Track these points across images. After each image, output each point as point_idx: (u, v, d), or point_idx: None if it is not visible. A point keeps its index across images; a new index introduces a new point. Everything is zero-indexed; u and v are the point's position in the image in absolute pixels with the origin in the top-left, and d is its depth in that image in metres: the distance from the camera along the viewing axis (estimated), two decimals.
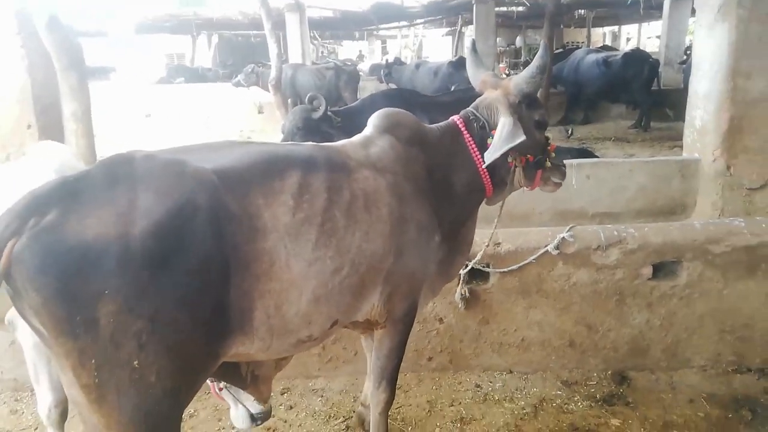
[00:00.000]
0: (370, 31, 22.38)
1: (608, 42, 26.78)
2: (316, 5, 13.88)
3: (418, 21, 16.08)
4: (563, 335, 2.97)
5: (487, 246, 2.59)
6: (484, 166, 1.94)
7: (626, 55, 10.37)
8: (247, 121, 11.50)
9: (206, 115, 11.59)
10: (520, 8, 14.20)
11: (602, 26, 25.86)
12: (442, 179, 1.94)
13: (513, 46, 24.87)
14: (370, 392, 2.13)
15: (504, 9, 14.40)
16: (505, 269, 2.87)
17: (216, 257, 1.36)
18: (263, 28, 8.34)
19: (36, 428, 2.67)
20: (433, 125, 2.04)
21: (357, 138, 1.96)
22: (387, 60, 14.86)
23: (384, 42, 31.08)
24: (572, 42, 23.71)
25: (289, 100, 8.92)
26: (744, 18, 3.59)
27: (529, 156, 2.02)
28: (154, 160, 1.40)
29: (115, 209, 1.26)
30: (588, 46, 17.44)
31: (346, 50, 31.46)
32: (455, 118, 2.04)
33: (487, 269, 2.88)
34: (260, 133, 11.05)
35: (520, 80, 1.96)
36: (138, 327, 1.26)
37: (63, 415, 2.20)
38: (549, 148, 2.10)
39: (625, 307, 2.93)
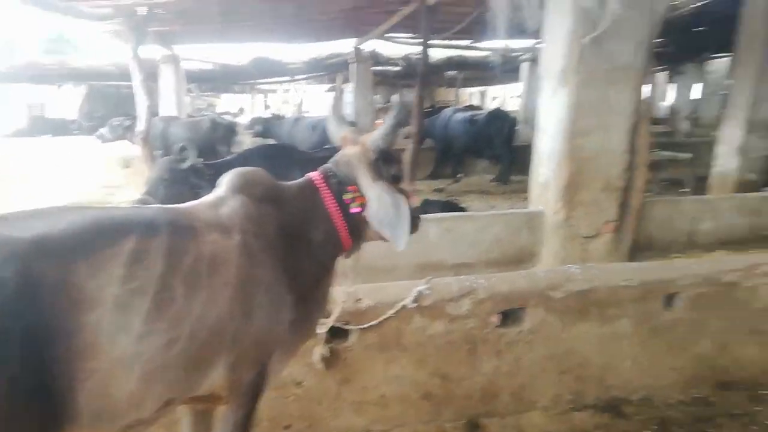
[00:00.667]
0: (252, 85, 22.35)
1: (477, 101, 28.95)
2: (194, 58, 13.66)
3: (299, 77, 16.34)
4: (420, 388, 3.01)
5: (340, 305, 2.59)
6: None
7: (489, 114, 11.24)
8: (112, 175, 10.83)
9: (66, 170, 10.78)
10: (396, 68, 14.93)
11: (471, 86, 27.96)
12: (298, 237, 1.92)
13: (390, 103, 26.18)
14: None
15: (381, 68, 15.07)
16: (365, 326, 2.88)
17: (28, 336, 1.23)
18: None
19: None
20: (291, 182, 2.04)
21: (207, 198, 1.89)
22: (269, 114, 14.89)
23: (266, 96, 31.11)
24: (443, 101, 25.37)
25: (160, 153, 8.61)
26: (581, 83, 4.02)
27: None
28: None
29: None
30: (456, 105, 18.73)
31: (226, 103, 31.05)
32: (313, 174, 2.05)
33: (347, 326, 2.87)
34: (125, 188, 10.43)
35: (376, 137, 2.03)
36: None
37: None
38: (409, 199, 2.13)
39: (476, 355, 3.05)
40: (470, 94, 30.58)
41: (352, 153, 2.06)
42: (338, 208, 1.99)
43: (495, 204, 8.95)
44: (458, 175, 10.33)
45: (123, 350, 1.38)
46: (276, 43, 13.01)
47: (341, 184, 2.01)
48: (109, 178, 10.81)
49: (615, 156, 4.05)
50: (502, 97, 29.73)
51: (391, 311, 2.85)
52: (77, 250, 1.37)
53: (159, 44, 10.90)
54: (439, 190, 10.19)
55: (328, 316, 2.70)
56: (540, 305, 3.05)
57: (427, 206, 6.89)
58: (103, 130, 10.26)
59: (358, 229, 2.04)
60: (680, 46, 12.60)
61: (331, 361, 2.87)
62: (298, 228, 1.94)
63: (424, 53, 6.70)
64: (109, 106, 19.49)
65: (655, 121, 18.37)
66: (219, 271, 1.63)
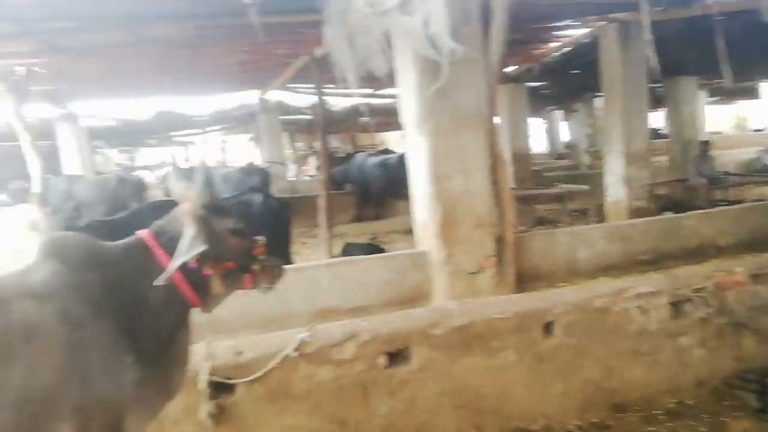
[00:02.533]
0: (167, 138, 21.88)
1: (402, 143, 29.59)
2: (94, 115, 13.31)
3: (210, 129, 16.24)
4: None
5: (210, 360, 2.60)
6: (161, 282, 1.91)
7: (400, 156, 11.60)
8: (19, 241, 10.24)
9: None
10: (307, 116, 15.15)
11: (386, 131, 28.68)
12: (130, 296, 1.91)
13: (313, 150, 26.46)
14: None
15: (292, 117, 15.24)
16: (249, 378, 2.88)
17: None
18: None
19: None
20: (117, 243, 2.04)
21: (19, 268, 1.87)
22: (187, 167, 14.61)
23: (186, 147, 30.53)
24: (366, 145, 25.88)
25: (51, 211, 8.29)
26: (434, 131, 4.26)
27: (228, 263, 2.09)
28: None
29: None
30: (376, 148, 19.18)
31: (145, 157, 30.20)
32: (143, 232, 2.05)
33: (229, 381, 2.86)
34: (31, 253, 9.90)
35: (196, 196, 2.07)
36: None
37: None
38: (256, 251, 2.17)
39: (370, 397, 3.09)
40: (399, 136, 31.25)
41: (182, 209, 2.08)
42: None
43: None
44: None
45: None
46: (180, 96, 12.92)
47: (173, 240, 2.01)
48: (17, 244, 10.21)
49: (479, 196, 4.29)
50: None
51: (274, 362, 2.87)
52: None
53: (49, 103, 10.60)
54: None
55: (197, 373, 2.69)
56: (423, 343, 3.17)
57: (350, 250, 6.99)
58: (3, 196, 9.76)
59: (203, 283, 2.05)
60: (563, 87, 13.87)
61: (219, 418, 2.85)
62: (131, 288, 1.93)
63: (321, 103, 6.93)
64: (9, 167, 18.45)
65: (560, 156, 19.63)
66: (36, 338, 1.64)
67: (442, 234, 4.15)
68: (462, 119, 4.23)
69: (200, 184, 2.07)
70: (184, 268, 2.00)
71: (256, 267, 2.16)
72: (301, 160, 24.35)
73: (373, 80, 3.82)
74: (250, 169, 11.66)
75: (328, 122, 7.54)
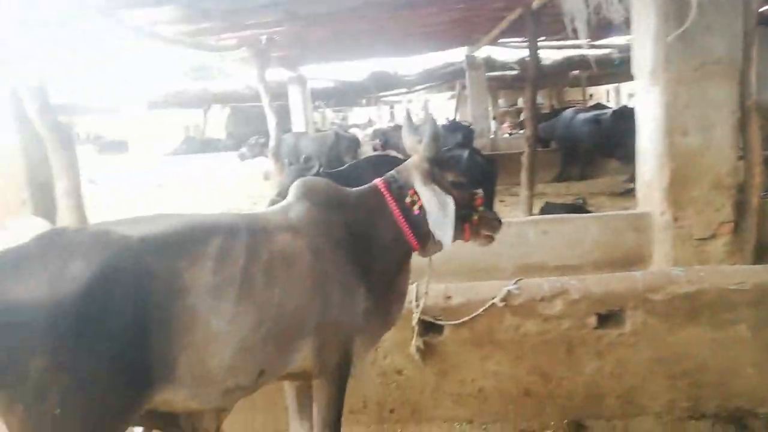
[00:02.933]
0: (376, 98, 23.19)
1: (612, 99, 27.41)
2: (318, 77, 14.64)
3: (417, 88, 16.75)
4: (519, 384, 3.08)
5: (425, 296, 2.78)
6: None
7: (615, 112, 10.73)
8: (254, 187, 11.96)
9: (215, 183, 12.10)
10: (514, 72, 14.78)
11: (601, 84, 26.54)
12: (363, 236, 2.15)
13: (515, 107, 25.72)
14: None
15: (498, 73, 15.00)
16: (457, 321, 3.03)
17: (139, 314, 1.57)
18: None
19: None
20: (356, 189, 2.27)
21: (278, 205, 2.21)
22: (388, 126, 15.47)
23: (392, 107, 32.14)
24: (572, 101, 24.39)
25: (286, 161, 9.41)
26: (672, 81, 3.84)
27: None
28: (82, 232, 1.65)
29: (46, 276, 1.49)
30: (584, 104, 17.98)
31: (357, 116, 32.57)
32: (377, 181, 2.27)
33: (439, 321, 3.04)
34: (266, 198, 11.48)
35: (422, 148, 2.21)
36: (63, 380, 1.46)
37: None
38: (475, 203, 2.27)
39: (575, 355, 3.05)
40: (605, 92, 29.05)
41: (411, 161, 2.28)
42: (400, 210, 2.19)
43: (628, 206, 8.52)
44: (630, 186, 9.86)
45: (217, 328, 1.72)
46: (391, 58, 13.52)
47: (402, 189, 2.21)
48: (252, 190, 11.97)
49: (720, 153, 3.79)
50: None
51: (481, 309, 2.97)
52: (177, 248, 1.73)
53: (284, 67, 11.87)
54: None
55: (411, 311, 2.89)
56: (639, 307, 2.98)
57: (551, 210, 6.81)
58: (243, 150, 11.36)
59: (424, 230, 2.20)
60: None
61: (426, 353, 3.06)
62: (365, 229, 2.17)
63: (533, 58, 6.66)
64: (249, 125, 21.39)
65: None
66: (292, 266, 1.93)
67: (669, 194, 3.79)
68: (707, 67, 3.79)
69: (428, 138, 2.18)
70: (408, 215, 2.18)
71: (475, 218, 2.25)
72: (501, 118, 23.97)
73: (600, 29, 3.57)
74: (453, 126, 11.84)
75: (538, 77, 7.23)
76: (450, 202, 2.12)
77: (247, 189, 12.04)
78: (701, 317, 3.00)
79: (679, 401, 3.06)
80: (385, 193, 2.21)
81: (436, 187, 2.16)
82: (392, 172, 2.28)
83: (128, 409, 1.64)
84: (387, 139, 11.95)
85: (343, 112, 31.21)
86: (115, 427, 1.63)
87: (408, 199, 2.18)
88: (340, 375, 2.14)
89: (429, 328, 3.05)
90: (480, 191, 2.29)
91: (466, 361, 3.09)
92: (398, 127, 13.80)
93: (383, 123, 27.05)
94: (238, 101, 17.25)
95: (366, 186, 2.28)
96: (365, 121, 28.84)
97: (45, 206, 3.42)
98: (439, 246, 2.27)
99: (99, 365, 1.51)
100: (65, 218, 3.40)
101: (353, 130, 18.08)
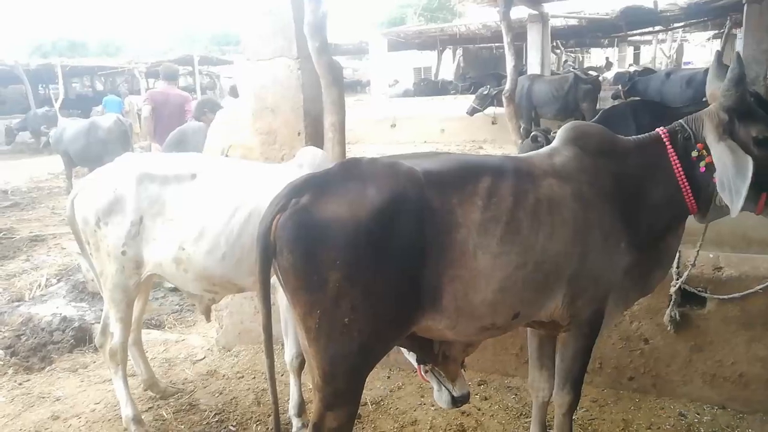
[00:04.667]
0: (621, 37, 21.01)
1: None
2: (560, 14, 13.70)
3: (676, 25, 14.66)
4: None
5: (693, 266, 2.48)
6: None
7: None
8: (480, 131, 11.96)
9: (442, 126, 12.40)
10: None
11: None
12: (633, 189, 1.97)
13: None
14: (555, 393, 2.22)
15: None
16: (725, 296, 2.68)
17: (418, 242, 1.69)
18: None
19: (283, 374, 3.36)
20: (634, 137, 2.08)
21: (544, 149, 2.13)
22: (632, 70, 13.89)
23: (637, 48, 28.84)
24: None
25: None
26: None
27: None
28: (376, 163, 1.80)
29: (348, 198, 1.68)
30: None
31: (594, 58, 30.00)
32: (660, 129, 2.04)
33: (703, 294, 2.72)
34: (491, 143, 11.42)
35: (720, 93, 1.89)
36: (354, 292, 1.65)
37: (302, 365, 2.77)
38: None
39: None
40: None
41: (706, 110, 1.96)
42: (681, 166, 1.94)
43: None
44: None
45: (482, 264, 1.77)
46: None
47: (689, 141, 1.94)
48: (480, 134, 12.01)
49: None
50: None
51: (760, 286, 2.57)
52: (451, 184, 1.80)
53: (527, 5, 11.31)
54: None
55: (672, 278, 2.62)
56: None
57: None
58: (474, 104, 11.16)
59: (706, 191, 1.94)
60: None
61: (681, 325, 2.78)
62: (637, 181, 1.98)
63: None
64: (480, 68, 21.23)
65: None
66: (556, 211, 1.87)
67: None
68: None
69: (730, 82, 1.86)
70: (691, 172, 1.94)
71: None
72: None
73: None
74: (719, 72, 10.15)
75: None
76: (749, 163, 1.79)
77: (473, 134, 12.08)
78: None
79: None
80: (667, 144, 1.98)
81: (733, 144, 1.86)
82: (680, 121, 2.02)
83: (400, 327, 1.80)
84: (634, 83, 10.78)
85: (578, 54, 28.94)
86: (388, 342, 1.82)
87: (694, 154, 1.93)
88: (590, 330, 2.07)
89: (689, 298, 2.76)
90: None
91: (729, 340, 2.74)
92: (647, 71, 12.33)
93: (624, 66, 24.47)
94: (473, 42, 17.18)
95: (646, 135, 2.07)
96: (603, 64, 26.40)
97: (316, 138, 3.82)
98: (720, 212, 1.99)
99: (384, 283, 1.68)
100: (329, 150, 3.77)
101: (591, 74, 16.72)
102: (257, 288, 1.80)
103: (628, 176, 1.99)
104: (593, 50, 29.29)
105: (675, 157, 1.97)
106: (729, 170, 1.82)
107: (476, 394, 3.09)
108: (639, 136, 2.08)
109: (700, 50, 25.68)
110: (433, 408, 2.93)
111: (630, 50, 28.91)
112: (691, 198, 1.97)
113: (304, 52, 3.49)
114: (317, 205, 1.67)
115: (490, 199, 1.79)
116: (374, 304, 1.68)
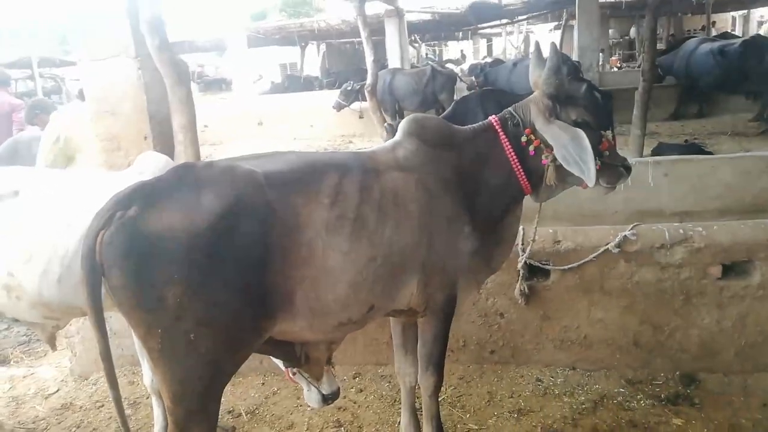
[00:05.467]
0: (473, 31, 22.24)
1: (738, 27, 24.53)
2: (414, 9, 14.18)
3: (520, 18, 15.82)
4: (627, 334, 2.97)
5: (533, 242, 2.69)
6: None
7: (745, 42, 9.58)
8: (349, 126, 12.06)
9: (310, 122, 12.31)
10: None
11: (728, 11, 23.68)
12: (472, 176, 2.07)
13: (627, 38, 23.61)
14: (420, 377, 2.28)
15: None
16: (565, 267, 2.93)
17: (262, 247, 1.64)
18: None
19: (148, 397, 3.14)
20: (469, 126, 2.18)
21: (387, 143, 2.18)
22: (484, 61, 14.77)
23: (489, 40, 30.68)
24: (693, 30, 22.03)
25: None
26: None
27: None
28: (212, 167, 1.72)
29: (181, 207, 1.58)
30: (708, 33, 16.20)
31: (451, 51, 31.47)
32: (492, 117, 2.16)
33: (547, 266, 2.95)
34: (360, 137, 11.57)
35: (542, 81, 2.04)
36: (196, 306, 1.57)
37: None
38: (601, 147, 2.07)
39: (692, 307, 2.88)
40: (730, 19, 25.99)
41: (531, 97, 2.11)
42: (513, 150, 2.06)
43: (750, 147, 7.74)
44: None
45: (332, 263, 1.77)
46: None
47: (518, 127, 2.07)
48: (348, 129, 12.09)
49: None
50: None
51: (593, 255, 2.85)
52: (296, 185, 1.77)
53: (382, 0, 11.56)
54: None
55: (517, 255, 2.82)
56: None
57: (663, 150, 6.29)
58: (339, 99, 11.24)
59: (538, 172, 2.07)
60: None
61: (530, 297, 3.01)
62: (475, 168, 2.08)
63: None
64: (345, 62, 21.35)
65: None
66: (401, 204, 1.92)
67: None
68: None
69: (548, 70, 2.01)
70: (522, 156, 2.07)
71: (598, 164, 2.02)
72: (609, 50, 22.15)
73: None
74: (538, 62, 11.10)
75: (660, 1, 6.54)
76: (583, 135, 1.94)
77: (341, 128, 12.15)
78: None
79: None
80: (498, 131, 2.10)
81: (562, 123, 2.00)
82: (509, 108, 2.15)
83: (252, 337, 1.74)
84: (485, 75, 11.48)
85: (436, 47, 30.24)
86: (241, 353, 1.75)
87: (524, 139, 2.06)
88: (445, 313, 2.15)
89: (535, 272, 2.99)
90: (608, 133, 2.09)
91: (572, 307, 3.01)
92: (497, 62, 13.19)
93: (478, 58, 25.96)
94: (334, 37, 17.24)
95: (479, 123, 2.18)
96: (459, 57, 27.79)
97: (164, 141, 3.60)
98: (552, 191, 2.15)
99: (228, 293, 1.61)
100: (181, 153, 3.58)
101: (448, 66, 17.53)
102: (89, 313, 1.64)
103: (467, 164, 2.08)
104: (450, 43, 30.70)
105: (507, 143, 2.08)
106: (569, 146, 1.94)
107: (351, 388, 3.12)
108: (474, 125, 2.18)
109: (544, 41, 27.98)
110: (309, 409, 2.90)
111: (483, 42, 30.69)
112: (525, 180, 2.09)
113: (144, 51, 3.28)
114: (146, 216, 1.56)
115: (336, 197, 1.80)
116: (220, 316, 1.61)
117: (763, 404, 2.68)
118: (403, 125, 2.16)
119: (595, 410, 2.75)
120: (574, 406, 2.79)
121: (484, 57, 24.73)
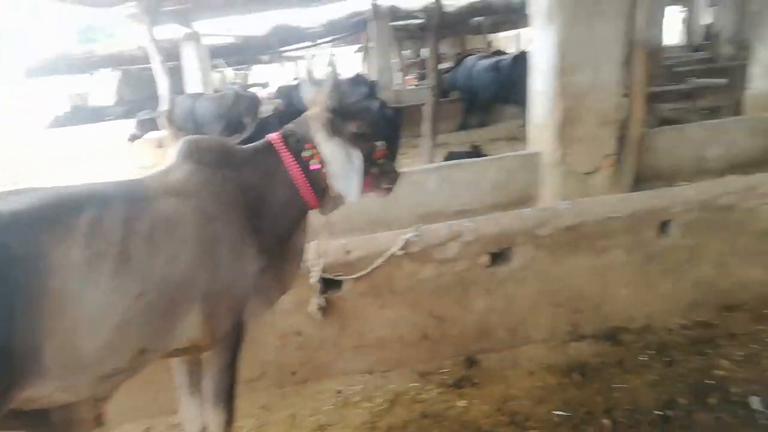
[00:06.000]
0: (279, 54, 22.37)
1: (513, 46, 28.02)
2: (214, 33, 13.83)
3: (322, 41, 16.26)
4: (416, 329, 3.15)
5: (323, 255, 2.73)
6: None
7: (515, 57, 10.93)
8: (146, 156, 11.27)
9: (104, 154, 11.29)
10: (418, 21, 14.66)
11: (501, 31, 26.97)
12: (255, 195, 2.02)
13: (419, 58, 25.65)
14: (209, 416, 2.10)
15: (403, 23, 14.82)
16: (356, 276, 3.00)
17: (3, 300, 1.40)
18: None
19: None
20: (248, 145, 2.14)
21: (161, 169, 2.02)
22: (293, 84, 14.89)
23: (296, 62, 31.09)
24: (475, 49, 24.66)
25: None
26: (567, 21, 3.94)
27: None
28: None
29: None
30: (486, 52, 18.25)
31: (258, 75, 31.23)
32: (272, 135, 2.14)
33: (339, 277, 3.00)
34: (159, 168, 10.84)
35: (324, 98, 2.09)
36: None
37: None
38: (376, 155, 2.18)
39: (468, 295, 3.14)
40: (507, 38, 29.62)
41: (310, 113, 2.15)
42: (297, 165, 2.07)
43: (520, 149, 8.83)
44: None
45: (90, 306, 1.56)
46: (294, 8, 12.97)
47: (300, 143, 2.09)
48: (144, 160, 11.26)
49: (607, 90, 3.99)
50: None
51: (381, 260, 2.97)
52: (43, 224, 1.54)
53: (178, 23, 11.08)
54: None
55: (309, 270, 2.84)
56: (528, 243, 3.10)
57: (453, 158, 6.90)
58: (134, 131, 10.47)
59: (322, 186, 2.12)
60: None
61: (327, 310, 3.03)
62: (257, 187, 2.04)
63: (437, 4, 6.60)
64: (142, 89, 19.98)
65: (696, 48, 17.37)
66: (176, 231, 1.78)
67: (560, 133, 3.98)
68: (598, 5, 3.93)
69: (328, 89, 2.08)
70: (305, 170, 2.07)
71: (374, 171, 2.18)
72: (406, 70, 23.85)
73: None
74: (357, 80, 11.64)
75: (441, 24, 7.17)
76: (356, 155, 2.04)
77: (138, 160, 11.32)
78: (581, 247, 3.17)
79: (561, 327, 3.28)
80: (279, 147, 2.08)
81: (341, 140, 2.07)
82: (290, 125, 2.15)
83: None
84: (290, 97, 11.56)
85: (243, 71, 29.82)
86: None
87: (306, 153, 2.07)
88: (232, 342, 2.03)
89: (329, 285, 3.01)
90: (382, 143, 2.21)
91: (365, 312, 3.10)
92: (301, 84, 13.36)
93: (285, 81, 26.17)
94: (129, 63, 16.06)
95: (260, 141, 2.14)
96: (267, 80, 27.72)
97: None
98: (338, 203, 2.20)
99: None
100: None
101: (254, 90, 17.35)
102: None
103: (249, 183, 2.02)
104: (256, 67, 30.50)
105: (290, 159, 2.07)
106: (342, 164, 2.03)
107: None
108: (255, 143, 2.14)
109: (349, 62, 29.15)
110: None
111: (291, 65, 30.99)
112: (310, 194, 2.10)
113: None
114: None
115: (93, 233, 1.60)
116: None
117: (530, 372, 3.01)
118: (177, 148, 2.03)
119: (391, 409, 2.84)
120: (373, 410, 2.85)
121: (295, 79, 24.98)
